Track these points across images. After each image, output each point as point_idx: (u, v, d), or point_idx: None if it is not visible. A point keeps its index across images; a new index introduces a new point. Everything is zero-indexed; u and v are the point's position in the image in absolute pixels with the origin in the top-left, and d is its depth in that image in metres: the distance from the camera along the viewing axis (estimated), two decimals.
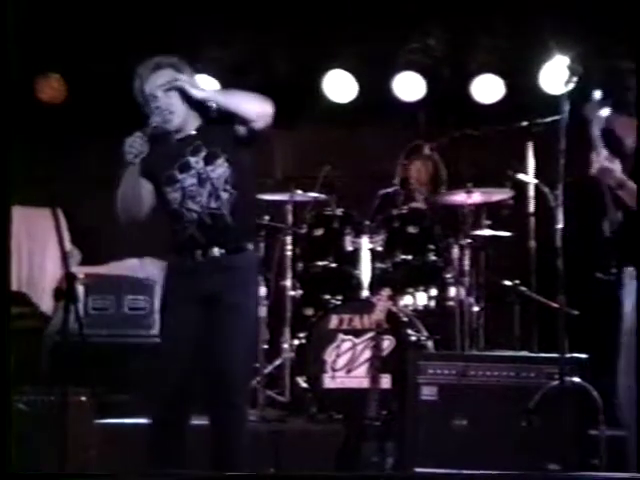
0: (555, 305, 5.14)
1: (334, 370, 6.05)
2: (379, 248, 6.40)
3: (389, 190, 6.95)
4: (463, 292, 6.33)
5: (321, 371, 6.05)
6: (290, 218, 6.65)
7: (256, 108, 4.33)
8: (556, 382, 4.74)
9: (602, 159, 4.34)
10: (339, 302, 6.30)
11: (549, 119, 5.80)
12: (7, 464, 3.49)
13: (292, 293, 6.52)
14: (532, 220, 6.32)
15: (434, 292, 6.48)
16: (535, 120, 6.05)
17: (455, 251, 6.38)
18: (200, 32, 7.08)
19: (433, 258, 6.42)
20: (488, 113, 7.47)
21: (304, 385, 6.18)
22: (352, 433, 5.16)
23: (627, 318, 4.36)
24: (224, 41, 7.28)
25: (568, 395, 4.55)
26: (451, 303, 6.39)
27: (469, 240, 6.36)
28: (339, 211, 6.57)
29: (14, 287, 6.84)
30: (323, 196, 6.79)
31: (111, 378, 6.13)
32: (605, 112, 4.41)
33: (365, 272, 6.35)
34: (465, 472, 4.87)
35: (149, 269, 7.03)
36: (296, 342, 6.38)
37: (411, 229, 6.46)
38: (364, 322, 6.01)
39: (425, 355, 5.65)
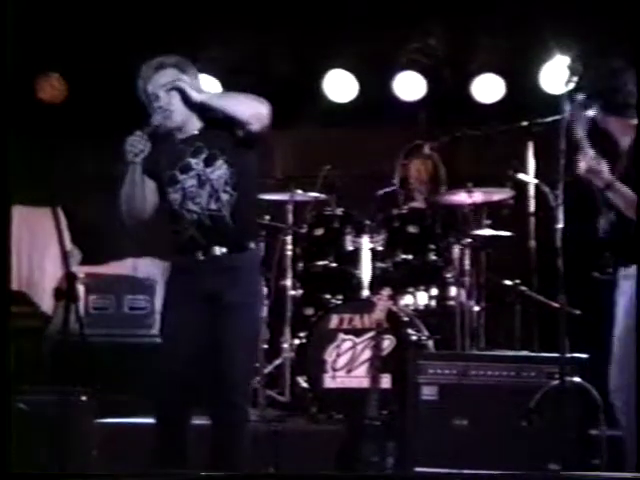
0: (555, 305, 5.14)
1: (334, 370, 6.05)
2: (379, 248, 6.40)
3: (389, 190, 6.95)
4: (463, 292, 6.33)
5: (321, 371, 6.05)
6: (290, 218, 6.65)
7: (250, 111, 4.33)
8: (556, 382, 4.74)
9: (589, 159, 4.34)
10: (339, 302, 6.30)
11: (549, 119, 5.79)
12: (7, 464, 3.48)
13: (292, 293, 6.52)
14: (532, 220, 6.31)
15: (434, 292, 6.48)
16: (535, 120, 6.04)
17: (455, 251, 6.38)
18: (200, 32, 7.08)
19: (433, 258, 6.42)
20: (488, 113, 7.47)
21: (304, 385, 6.18)
22: (352, 433, 5.17)
23: (619, 319, 4.36)
24: (224, 41, 7.28)
25: (569, 395, 4.55)
26: (451, 303, 6.39)
27: (469, 240, 6.36)
28: (339, 211, 6.57)
29: (14, 287, 6.84)
30: (323, 196, 6.79)
31: (111, 378, 6.12)
32: (590, 113, 4.41)
33: (365, 272, 6.35)
34: (465, 472, 4.87)
35: (149, 269, 7.03)
36: (296, 342, 6.38)
37: (411, 229, 6.46)
38: (364, 322, 6.01)
39: (425, 355, 5.65)
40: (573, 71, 4.42)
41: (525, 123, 6.12)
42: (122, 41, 7.04)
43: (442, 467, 4.92)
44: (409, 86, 7.64)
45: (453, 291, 6.41)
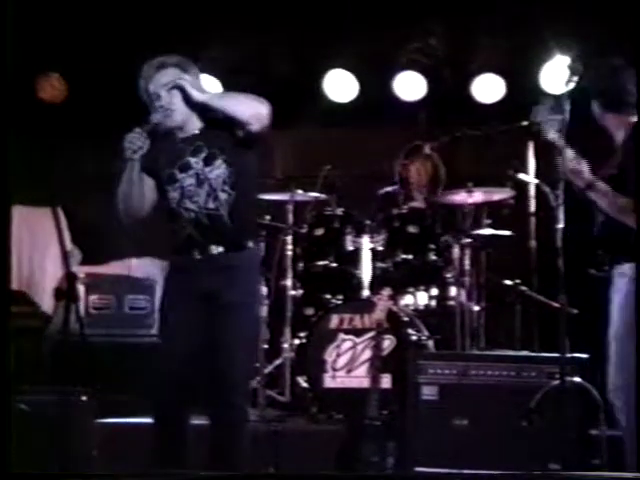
0: (556, 305, 5.13)
1: (334, 370, 6.05)
2: (380, 248, 6.40)
3: (389, 189, 6.95)
4: (464, 292, 6.33)
5: (321, 371, 6.05)
6: (291, 218, 6.65)
7: (250, 111, 4.34)
8: (557, 382, 4.74)
9: (568, 160, 4.35)
10: (340, 302, 6.30)
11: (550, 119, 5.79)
12: (7, 464, 3.48)
13: (293, 293, 6.52)
14: (533, 220, 6.32)
15: (435, 292, 6.48)
16: (536, 120, 6.04)
17: (456, 251, 6.38)
18: (201, 32, 7.08)
19: (434, 258, 6.43)
20: (489, 113, 7.47)
21: (304, 385, 6.18)
22: (352, 433, 5.17)
23: (614, 317, 4.36)
24: (225, 41, 7.28)
25: (569, 395, 4.54)
26: (452, 303, 6.39)
27: (470, 240, 6.37)
28: (340, 211, 6.58)
29: (15, 287, 6.84)
30: (324, 196, 6.80)
31: (111, 378, 6.12)
32: (559, 116, 4.42)
33: (366, 272, 6.35)
34: (466, 472, 4.87)
35: (149, 269, 7.03)
36: (296, 342, 6.38)
37: (412, 229, 6.46)
38: (365, 322, 6.01)
39: (426, 355, 5.65)
40: (573, 71, 4.42)
41: (525, 123, 6.11)
42: (122, 41, 7.04)
43: (442, 467, 4.92)
44: (409, 86, 7.64)
45: (453, 291, 6.41)
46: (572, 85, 4.39)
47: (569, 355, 4.54)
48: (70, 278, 3.99)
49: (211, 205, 4.37)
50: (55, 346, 6.16)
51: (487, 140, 6.64)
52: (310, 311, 6.52)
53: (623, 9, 5.22)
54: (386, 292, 5.35)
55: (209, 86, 6.55)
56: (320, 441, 5.45)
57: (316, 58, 7.68)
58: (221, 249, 4.37)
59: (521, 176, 6.26)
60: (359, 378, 5.96)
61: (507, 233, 6.50)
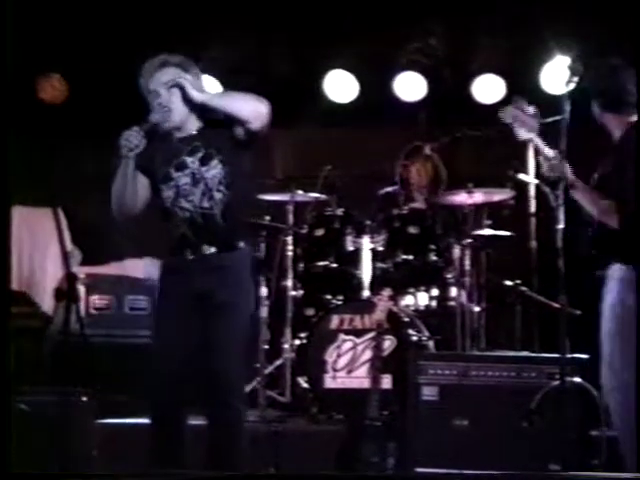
0: (556, 305, 5.13)
1: (335, 370, 6.05)
2: (380, 248, 6.40)
3: (390, 190, 6.95)
4: (464, 292, 6.33)
5: (322, 371, 6.05)
6: (291, 218, 6.65)
7: (250, 108, 4.36)
8: (557, 382, 4.74)
9: (550, 160, 4.36)
10: (340, 302, 6.30)
11: (550, 119, 5.79)
12: (7, 464, 3.48)
13: (293, 293, 6.52)
14: (533, 220, 6.32)
15: (435, 292, 6.48)
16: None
17: (456, 251, 6.39)
18: (201, 32, 7.08)
19: (434, 258, 6.43)
20: (489, 113, 7.45)
21: (305, 385, 6.18)
22: (353, 433, 5.17)
23: (605, 319, 4.36)
24: (225, 41, 7.28)
25: (569, 395, 4.54)
26: (452, 303, 6.39)
27: (470, 240, 6.37)
28: (340, 211, 6.58)
29: (15, 287, 6.83)
30: (324, 196, 6.79)
31: (112, 378, 6.12)
32: (533, 115, 4.42)
33: (366, 272, 6.35)
34: (466, 472, 4.87)
35: (149, 269, 7.02)
36: (297, 342, 6.38)
37: (412, 229, 6.46)
38: (365, 322, 6.00)
39: (426, 355, 5.65)
40: (574, 71, 4.42)
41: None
42: (123, 42, 7.04)
43: (442, 467, 4.92)
44: (409, 86, 7.64)
45: (454, 291, 6.41)
46: (572, 85, 4.39)
47: (569, 356, 4.54)
48: (70, 278, 3.99)
49: (206, 204, 4.39)
50: (55, 346, 6.16)
51: (487, 141, 6.64)
52: (311, 312, 6.52)
53: (623, 9, 5.22)
54: (386, 292, 5.36)
55: (209, 87, 6.55)
56: (320, 441, 5.45)
57: (316, 58, 7.68)
58: (213, 249, 4.39)
59: (521, 176, 6.26)
60: (359, 379, 5.96)
61: (507, 234, 6.50)
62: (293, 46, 7.55)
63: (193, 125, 4.47)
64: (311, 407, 6.05)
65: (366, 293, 6.31)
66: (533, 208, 6.32)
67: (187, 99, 4.39)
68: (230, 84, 7.20)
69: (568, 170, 4.34)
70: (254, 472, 4.58)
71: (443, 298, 6.47)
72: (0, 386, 3.52)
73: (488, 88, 7.57)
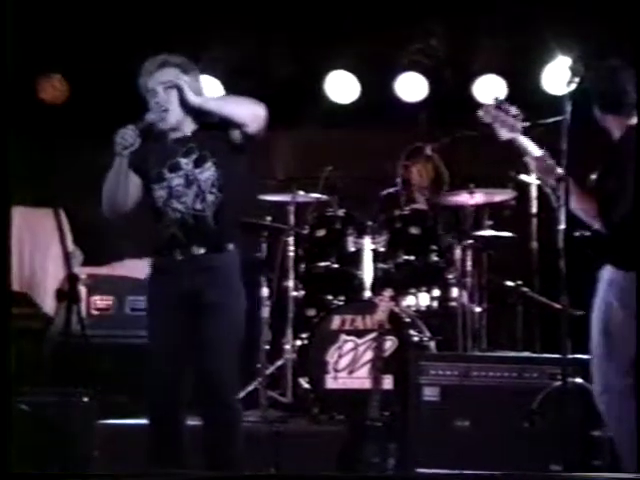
0: (557, 306, 5.13)
1: (336, 371, 6.05)
2: (381, 249, 6.40)
3: (391, 191, 6.95)
4: (465, 293, 6.33)
5: (323, 372, 6.05)
6: (292, 219, 6.65)
7: (248, 112, 4.38)
8: (559, 383, 4.74)
9: (538, 158, 4.36)
10: (341, 303, 6.30)
11: (551, 120, 5.79)
12: (8, 464, 3.49)
13: (294, 294, 6.51)
14: (534, 221, 6.31)
15: (436, 293, 6.48)
16: (537, 121, 6.03)
17: (457, 252, 6.38)
18: (202, 33, 7.08)
19: (435, 259, 6.42)
20: None
21: (306, 386, 6.18)
22: (354, 434, 5.17)
23: (594, 322, 4.35)
24: (226, 41, 7.28)
25: (570, 396, 4.54)
26: (453, 304, 6.39)
27: (471, 241, 6.37)
28: (341, 212, 6.57)
29: (16, 288, 6.84)
30: (325, 197, 6.79)
31: (113, 379, 6.12)
32: (514, 115, 4.42)
33: (367, 273, 6.35)
34: (467, 473, 4.87)
35: None
36: (298, 343, 6.38)
37: (413, 230, 6.46)
38: (366, 323, 6.00)
39: (427, 356, 5.65)
40: (575, 72, 4.41)
41: (527, 124, 6.10)
42: (124, 42, 7.04)
43: (444, 468, 4.92)
44: (411, 87, 7.64)
45: (455, 292, 6.41)
46: (573, 86, 4.39)
47: (571, 356, 4.54)
48: (72, 279, 4.00)
49: (198, 206, 4.40)
50: (56, 347, 6.16)
51: (488, 141, 6.62)
52: (312, 312, 6.51)
53: (623, 9, 5.22)
54: (388, 293, 5.36)
55: (208, 90, 6.56)
56: (321, 442, 5.45)
57: (317, 59, 7.68)
58: (202, 250, 4.39)
59: (522, 177, 6.26)
60: (361, 379, 5.96)
61: (509, 234, 6.50)
62: (294, 47, 7.55)
63: (189, 127, 4.48)
64: (312, 407, 6.05)
65: (367, 294, 6.30)
66: (535, 209, 6.32)
67: (184, 101, 4.40)
68: (231, 85, 7.21)
69: (556, 169, 4.34)
70: (255, 472, 4.58)
71: (444, 299, 6.46)
72: (1, 387, 3.52)
73: (489, 89, 7.56)
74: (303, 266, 6.55)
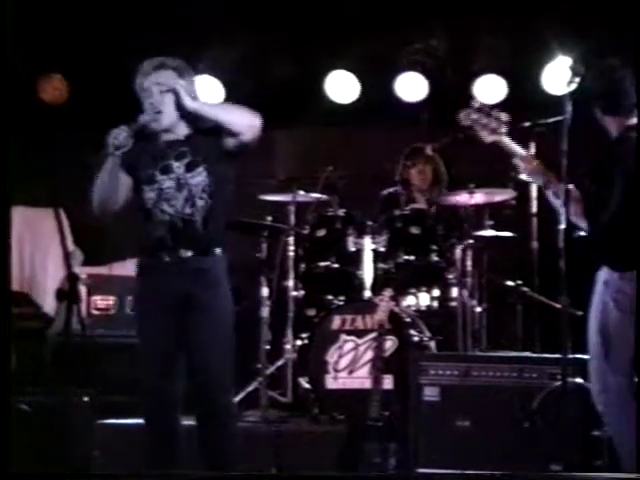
0: (557, 306, 5.13)
1: (336, 371, 6.04)
2: (381, 249, 6.40)
3: (391, 190, 6.95)
4: (465, 293, 6.32)
5: (323, 372, 6.04)
6: (292, 219, 6.65)
7: (245, 121, 4.42)
8: (559, 383, 4.74)
9: (526, 161, 4.36)
10: (342, 303, 6.30)
11: (551, 120, 5.79)
12: (8, 464, 3.49)
13: (294, 294, 6.52)
14: (534, 221, 6.31)
15: (436, 293, 6.47)
16: (537, 121, 6.04)
17: (457, 252, 6.38)
18: (202, 33, 7.08)
19: (435, 259, 6.42)
20: None
21: (306, 386, 6.18)
22: (354, 434, 5.17)
23: (591, 322, 4.35)
24: (226, 41, 7.28)
25: (571, 396, 4.54)
26: (453, 304, 6.39)
27: (471, 241, 6.36)
28: (341, 212, 6.57)
29: (17, 288, 6.85)
30: (325, 197, 6.79)
31: (113, 379, 6.12)
32: (496, 117, 4.42)
33: (367, 273, 6.35)
34: (468, 473, 4.86)
35: None
36: (298, 343, 6.38)
37: (414, 230, 6.46)
38: (366, 323, 6.00)
39: (427, 356, 5.64)
40: (575, 72, 4.41)
41: (527, 124, 6.11)
42: (124, 42, 7.04)
43: (444, 468, 4.92)
44: (411, 87, 7.64)
45: (455, 292, 6.41)
46: (573, 86, 4.39)
47: (571, 356, 4.54)
48: (72, 279, 4.00)
49: (188, 211, 4.41)
50: (57, 347, 6.16)
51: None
52: (312, 312, 6.51)
53: (623, 9, 5.22)
54: (388, 293, 5.36)
55: (202, 93, 6.57)
56: (322, 442, 5.45)
57: (318, 59, 7.68)
58: (190, 253, 4.41)
59: (523, 177, 6.25)
60: (361, 379, 5.96)
61: (509, 234, 6.50)
62: (294, 46, 7.55)
63: (182, 130, 4.50)
64: (312, 407, 6.05)
65: (368, 293, 6.31)
66: (535, 208, 6.31)
67: (179, 105, 4.42)
68: (231, 85, 7.21)
69: (544, 170, 4.33)
70: (255, 472, 4.58)
71: (444, 298, 6.46)
72: (1, 387, 3.52)
73: (490, 88, 7.56)
74: (303, 266, 6.55)
